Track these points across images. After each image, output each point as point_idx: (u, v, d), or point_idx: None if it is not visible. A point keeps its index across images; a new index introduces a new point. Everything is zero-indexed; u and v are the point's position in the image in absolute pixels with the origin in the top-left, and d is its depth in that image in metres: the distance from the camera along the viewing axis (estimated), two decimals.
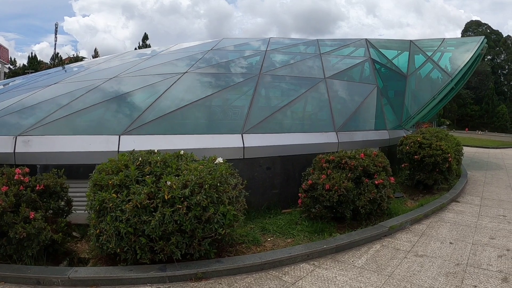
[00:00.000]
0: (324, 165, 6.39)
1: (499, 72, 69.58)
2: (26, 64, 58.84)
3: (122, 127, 6.80)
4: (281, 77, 11.26)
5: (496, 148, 24.55)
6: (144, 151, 5.11)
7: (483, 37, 14.70)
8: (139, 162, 4.66)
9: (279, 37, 19.22)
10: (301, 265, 4.82)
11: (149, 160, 4.69)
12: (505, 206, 8.26)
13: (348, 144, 8.46)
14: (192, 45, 16.40)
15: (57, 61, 57.99)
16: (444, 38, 15.76)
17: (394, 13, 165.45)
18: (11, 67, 58.82)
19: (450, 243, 5.74)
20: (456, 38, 16.54)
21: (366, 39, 15.99)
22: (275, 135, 7.69)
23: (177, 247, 4.14)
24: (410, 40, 16.25)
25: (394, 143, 10.05)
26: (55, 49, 61.40)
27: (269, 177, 7.24)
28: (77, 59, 56.66)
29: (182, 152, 5.14)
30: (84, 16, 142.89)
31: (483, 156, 19.00)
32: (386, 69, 15.38)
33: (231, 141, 6.98)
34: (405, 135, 9.78)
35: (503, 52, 69.94)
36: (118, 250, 4.14)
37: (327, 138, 8.33)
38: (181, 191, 4.12)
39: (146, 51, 18.47)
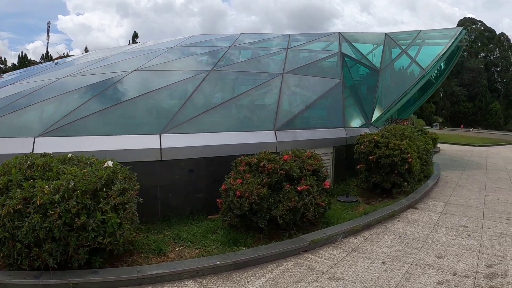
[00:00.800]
0: (241, 168, 5.34)
1: (493, 69, 68.35)
2: (17, 64, 57.70)
3: (41, 129, 6.26)
4: (234, 73, 10.26)
5: (482, 146, 23.44)
6: (38, 154, 4.85)
7: (461, 28, 13.59)
8: (27, 165, 4.34)
9: (252, 33, 18.25)
10: (186, 283, 3.95)
11: (35, 164, 4.37)
12: (471, 213, 7.18)
13: (290, 143, 7.43)
14: (164, 41, 15.51)
15: (48, 60, 56.83)
16: (420, 30, 14.65)
17: (389, 10, 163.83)
18: (1, 66, 57.83)
19: (383, 262, 4.66)
20: (433, 29, 15.35)
21: (339, 32, 15.00)
22: (200, 134, 6.72)
23: (50, 254, 3.85)
24: (386, 33, 15.17)
25: (354, 142, 8.97)
26: (47, 48, 60.10)
27: (192, 180, 6.35)
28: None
29: (70, 155, 4.83)
30: (78, 14, 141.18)
31: (466, 154, 17.91)
32: (358, 64, 14.35)
33: (147, 142, 6.14)
34: (362, 133, 8.68)
35: (497, 49, 68.70)
36: (1, 254, 3.95)
37: (262, 137, 7.30)
38: (51, 197, 3.81)
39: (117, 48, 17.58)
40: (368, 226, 5.91)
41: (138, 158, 5.61)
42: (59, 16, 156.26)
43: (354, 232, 5.62)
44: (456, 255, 4.99)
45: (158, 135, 6.22)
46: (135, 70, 9.29)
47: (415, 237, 5.62)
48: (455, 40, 13.13)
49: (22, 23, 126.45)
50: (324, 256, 4.82)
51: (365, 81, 14.35)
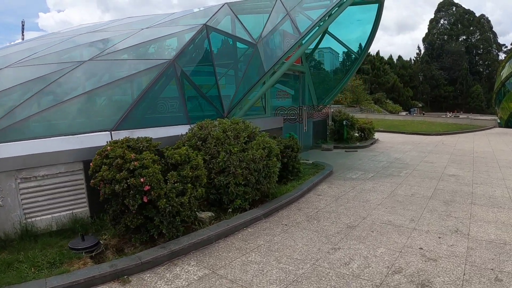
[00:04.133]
0: None
1: (474, 51, 62.79)
2: None
3: None
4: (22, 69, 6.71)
5: (440, 134, 18.63)
6: None
7: None
8: None
9: (141, 15, 13.98)
10: None
11: None
12: None
13: None
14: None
15: None
16: None
17: None
18: None
19: None
20: None
21: (227, 3, 10.57)
22: None
23: None
24: None
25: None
26: None
27: None
28: None
29: None
30: (59, 11, 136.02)
31: (404, 148, 13.15)
32: (231, 39, 9.91)
33: None
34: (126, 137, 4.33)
35: (478, 31, 63.13)
36: None
37: None
38: None
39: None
40: None
41: None
42: (40, 13, 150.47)
43: None
44: None
45: None
46: None
47: None
48: None
49: (1, 22, 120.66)
50: None
51: (245, 59, 9.92)
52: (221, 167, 5.25)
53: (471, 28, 63.47)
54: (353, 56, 12.88)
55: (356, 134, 14.26)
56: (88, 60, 7.11)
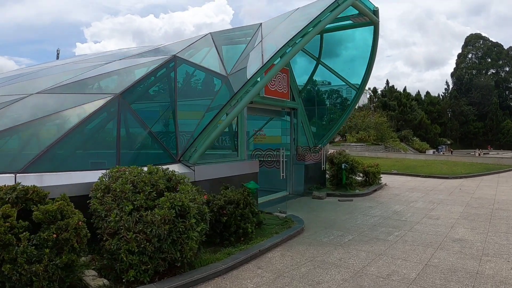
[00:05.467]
0: None
1: (504, 85, 59.11)
2: None
3: None
4: None
5: (463, 176, 16.23)
6: None
7: None
8: None
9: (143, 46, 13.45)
10: None
11: None
12: None
13: None
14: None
15: None
16: (298, 8, 8.70)
17: (399, 33, 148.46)
18: None
19: None
20: (314, 2, 8.96)
21: (211, 33, 9.68)
22: None
23: None
24: (261, 23, 9.42)
25: None
26: None
27: None
28: None
29: None
30: (95, 42, 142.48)
31: (412, 196, 11.06)
32: (206, 72, 8.80)
33: None
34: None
35: (507, 64, 59.73)
36: None
37: None
38: None
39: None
40: None
41: None
42: (77, 43, 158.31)
43: None
44: None
45: None
46: None
47: None
48: (323, 12, 7.00)
49: (41, 49, 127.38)
50: None
51: (213, 93, 8.72)
52: (113, 228, 3.95)
53: (500, 61, 60.21)
54: (353, 89, 11.37)
55: (359, 179, 12.40)
56: (36, 93, 6.43)
